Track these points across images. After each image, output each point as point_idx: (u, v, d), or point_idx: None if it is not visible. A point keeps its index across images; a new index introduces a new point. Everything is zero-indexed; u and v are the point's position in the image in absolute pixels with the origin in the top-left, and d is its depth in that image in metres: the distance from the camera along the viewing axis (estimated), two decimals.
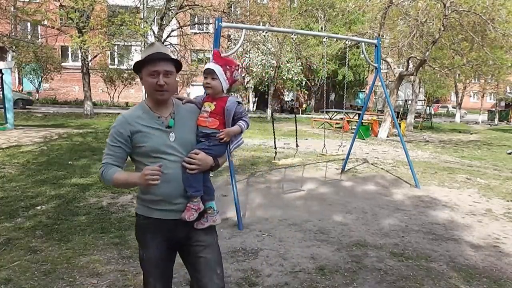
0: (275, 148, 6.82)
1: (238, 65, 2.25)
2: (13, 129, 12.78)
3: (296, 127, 7.37)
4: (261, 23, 21.05)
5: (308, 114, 31.46)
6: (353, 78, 34.25)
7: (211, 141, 2.16)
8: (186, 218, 2.09)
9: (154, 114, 2.10)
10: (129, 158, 2.17)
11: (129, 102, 29.00)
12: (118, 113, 22.84)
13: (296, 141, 7.21)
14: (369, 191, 7.18)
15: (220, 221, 2.34)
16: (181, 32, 21.29)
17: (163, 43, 19.81)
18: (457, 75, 24.12)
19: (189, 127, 2.18)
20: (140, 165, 2.08)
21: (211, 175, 2.33)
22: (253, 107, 34.16)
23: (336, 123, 20.30)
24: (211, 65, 2.21)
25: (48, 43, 22.32)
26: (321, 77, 31.46)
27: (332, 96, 37.38)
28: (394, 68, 16.65)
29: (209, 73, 2.20)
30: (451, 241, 4.83)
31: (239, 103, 2.24)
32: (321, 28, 24.50)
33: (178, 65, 2.14)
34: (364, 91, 37.71)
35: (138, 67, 2.09)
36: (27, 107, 22.48)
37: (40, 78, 27.54)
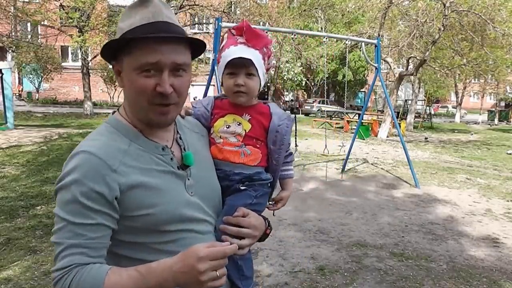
0: None
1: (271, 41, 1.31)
2: (13, 129, 12.77)
3: (296, 127, 7.37)
4: (261, 23, 21.06)
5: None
6: (353, 78, 34.32)
7: (257, 189, 1.25)
8: None
9: (151, 143, 1.09)
10: None
11: None
12: None
13: (296, 141, 7.21)
14: (369, 191, 7.18)
15: None
16: None
17: None
18: (457, 75, 24.12)
19: (208, 164, 1.22)
20: (134, 253, 1.04)
21: None
22: None
23: (336, 123, 20.33)
24: (244, 51, 1.21)
25: (48, 43, 22.32)
26: (321, 77, 31.51)
27: (332, 96, 37.41)
28: (394, 68, 16.66)
29: (242, 66, 1.21)
30: (451, 241, 4.83)
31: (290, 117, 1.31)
32: (321, 28, 24.53)
33: (197, 46, 1.12)
34: (364, 91, 37.74)
35: (111, 51, 1.06)
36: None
37: (40, 78, 27.54)
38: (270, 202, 1.38)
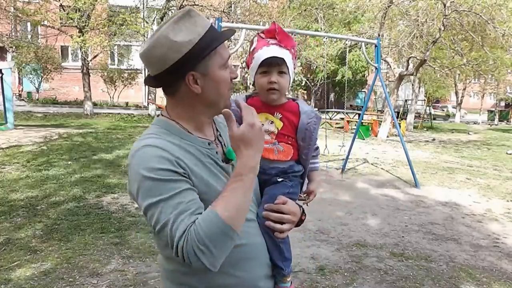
0: None
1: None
2: (13, 129, 12.77)
3: None
4: (261, 23, 21.05)
5: None
6: (353, 78, 34.28)
7: (292, 180, 1.37)
8: None
9: (198, 139, 1.22)
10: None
11: (129, 102, 28.98)
12: (118, 113, 22.73)
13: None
14: (369, 191, 7.18)
15: None
16: None
17: None
18: (457, 75, 24.12)
19: None
20: None
21: None
22: None
23: (336, 123, 20.31)
24: (277, 51, 1.29)
25: (48, 43, 22.32)
26: (321, 77, 31.52)
27: (332, 96, 37.40)
28: (394, 68, 16.65)
29: (275, 65, 1.30)
30: (451, 241, 4.83)
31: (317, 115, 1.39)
32: (321, 28, 24.52)
33: None
34: (364, 91, 37.71)
35: (195, 57, 1.14)
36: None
37: (40, 78, 27.52)
38: (302, 195, 1.48)
